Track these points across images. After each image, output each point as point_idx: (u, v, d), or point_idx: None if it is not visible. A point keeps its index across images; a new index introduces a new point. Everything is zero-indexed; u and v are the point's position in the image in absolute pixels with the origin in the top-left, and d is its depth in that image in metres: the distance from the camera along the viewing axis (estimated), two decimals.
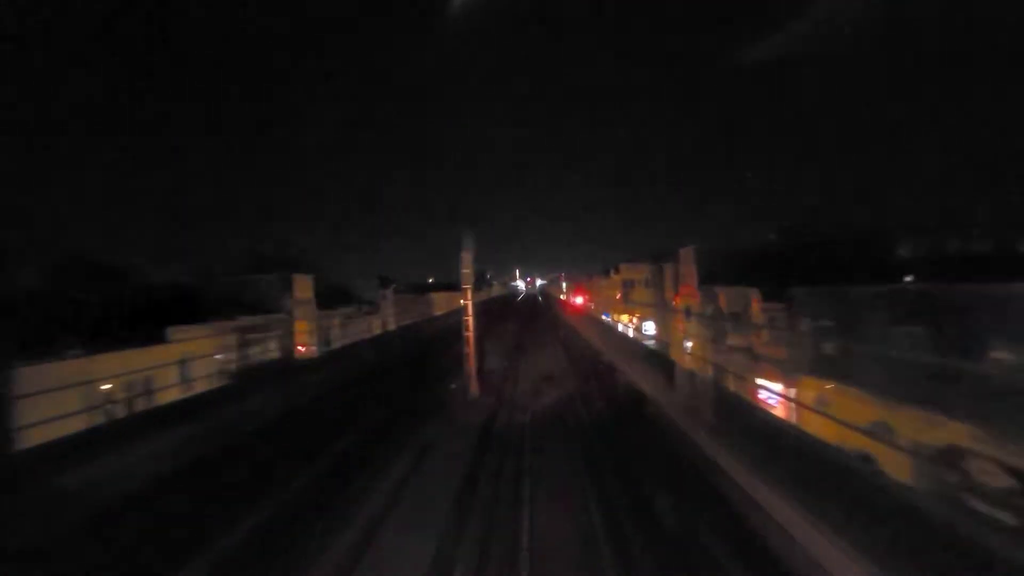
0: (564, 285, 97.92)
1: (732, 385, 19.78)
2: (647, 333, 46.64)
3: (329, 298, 28.79)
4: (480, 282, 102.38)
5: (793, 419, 17.15)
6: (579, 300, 49.75)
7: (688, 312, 27.36)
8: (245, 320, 17.86)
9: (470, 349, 10.89)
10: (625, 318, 47.32)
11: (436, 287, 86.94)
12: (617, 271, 49.67)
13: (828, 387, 15.03)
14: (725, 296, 21.26)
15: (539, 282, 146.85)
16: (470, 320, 11.40)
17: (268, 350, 19.40)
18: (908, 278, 22.66)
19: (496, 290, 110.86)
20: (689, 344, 30.23)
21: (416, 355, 16.59)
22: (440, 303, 56.39)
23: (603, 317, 54.05)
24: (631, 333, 39.88)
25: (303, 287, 22.59)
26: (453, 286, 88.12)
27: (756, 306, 18.43)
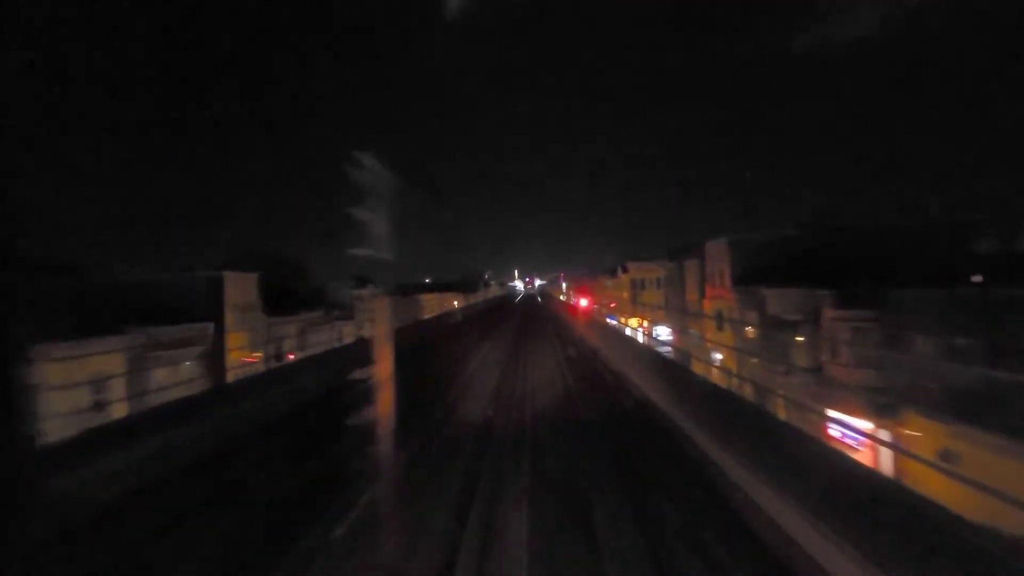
0: (564, 285, 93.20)
1: (783, 413, 15.16)
2: (660, 339, 42.12)
3: (288, 301, 24.16)
4: (476, 283, 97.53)
5: (888, 470, 12.50)
6: (584, 303, 45.09)
7: (720, 318, 22.75)
8: (144, 333, 13.19)
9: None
10: (635, 322, 42.78)
11: (434, 287, 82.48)
12: (625, 270, 45.16)
13: (957, 434, 10.49)
14: (778, 299, 16.65)
15: (538, 282, 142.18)
16: (385, 371, 4.94)
17: (182, 374, 14.59)
18: (976, 278, 18.12)
19: (493, 291, 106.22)
20: (718, 356, 25.59)
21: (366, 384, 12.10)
22: (431, 305, 51.82)
23: (608, 320, 49.45)
24: (641, 338, 35.18)
25: (242, 288, 17.92)
26: (450, 286, 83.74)
27: (829, 314, 13.84)
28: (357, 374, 5.43)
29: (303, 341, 22.25)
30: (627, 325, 46.96)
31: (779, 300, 16.49)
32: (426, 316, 44.21)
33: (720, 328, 22.60)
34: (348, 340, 26.84)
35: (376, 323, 5.50)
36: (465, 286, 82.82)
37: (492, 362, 14.06)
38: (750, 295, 19.32)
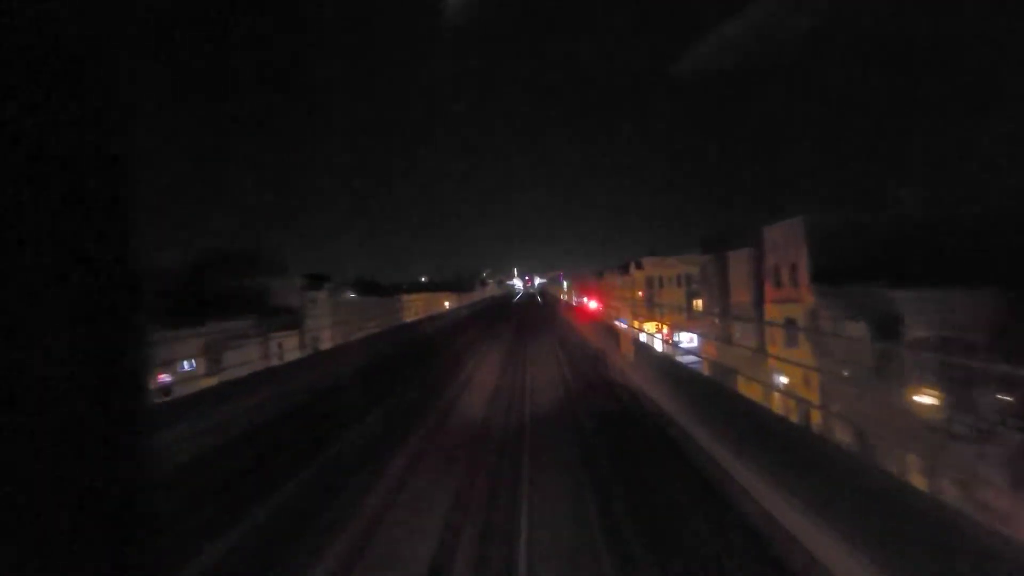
0: (565, 284, 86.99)
1: (924, 482, 8.95)
2: (684, 347, 35.86)
3: (205, 305, 18.01)
4: (472, 282, 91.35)
5: None
6: (593, 305, 38.92)
7: (792, 325, 16.55)
8: None
9: None
10: (651, 327, 36.62)
11: (428, 287, 76.26)
12: (639, 266, 38.96)
13: None
14: (927, 307, 10.47)
15: (538, 281, 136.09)
16: None
17: None
18: None
19: (491, 290, 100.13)
20: (783, 380, 19.34)
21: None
22: (416, 306, 45.63)
23: (617, 323, 43.22)
24: (659, 345, 28.85)
25: None
26: (447, 285, 77.46)
27: None
28: None
29: (211, 367, 15.97)
30: (641, 330, 40.19)
31: (928, 308, 10.34)
32: (408, 320, 37.86)
33: (791, 342, 16.43)
34: (291, 357, 20.60)
35: None
36: (460, 285, 76.54)
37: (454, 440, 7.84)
38: (860, 298, 13.18)
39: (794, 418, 11.67)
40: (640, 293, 38.83)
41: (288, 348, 20.86)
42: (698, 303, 38.49)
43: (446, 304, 56.13)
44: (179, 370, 15.25)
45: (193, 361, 16.58)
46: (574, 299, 51.97)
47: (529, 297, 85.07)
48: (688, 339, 37.83)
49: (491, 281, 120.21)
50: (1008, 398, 9.19)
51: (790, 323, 16.24)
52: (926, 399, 10.09)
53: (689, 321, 36.78)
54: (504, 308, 48.88)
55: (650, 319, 37.57)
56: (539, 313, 37.70)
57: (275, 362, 19.15)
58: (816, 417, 15.17)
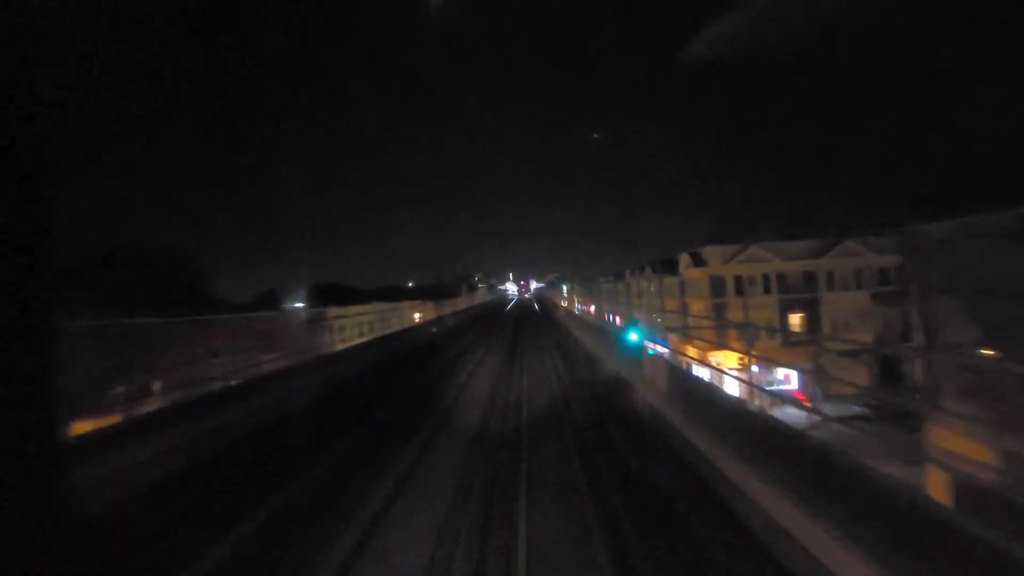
0: (564, 289, 73.67)
1: None
2: (780, 389, 22.72)
3: None
4: (458, 287, 77.93)
5: None
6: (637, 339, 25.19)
7: None
8: None
9: None
10: (731, 359, 23.14)
11: (412, 293, 63.58)
12: (698, 262, 25.36)
13: None
14: None
15: (534, 285, 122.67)
16: None
17: None
18: None
19: (481, 295, 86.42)
20: None
21: None
22: (362, 321, 31.95)
23: (655, 347, 29.35)
24: (735, 387, 15.69)
25: None
26: (432, 291, 63.93)
27: None
28: None
29: None
30: (705, 361, 24.37)
31: None
32: (339, 347, 24.06)
33: None
34: None
35: None
36: (441, 292, 63.09)
37: None
38: None
39: None
40: (698, 304, 25.17)
41: None
42: (795, 319, 25.02)
43: (416, 316, 42.05)
44: None
45: None
46: (576, 307, 37.96)
47: (524, 306, 70.64)
48: (787, 377, 24.38)
49: (481, 286, 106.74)
50: None
51: None
52: None
53: (785, 351, 23.33)
54: (489, 327, 34.96)
55: (721, 348, 24.09)
56: (540, 337, 23.87)
57: None
58: None
